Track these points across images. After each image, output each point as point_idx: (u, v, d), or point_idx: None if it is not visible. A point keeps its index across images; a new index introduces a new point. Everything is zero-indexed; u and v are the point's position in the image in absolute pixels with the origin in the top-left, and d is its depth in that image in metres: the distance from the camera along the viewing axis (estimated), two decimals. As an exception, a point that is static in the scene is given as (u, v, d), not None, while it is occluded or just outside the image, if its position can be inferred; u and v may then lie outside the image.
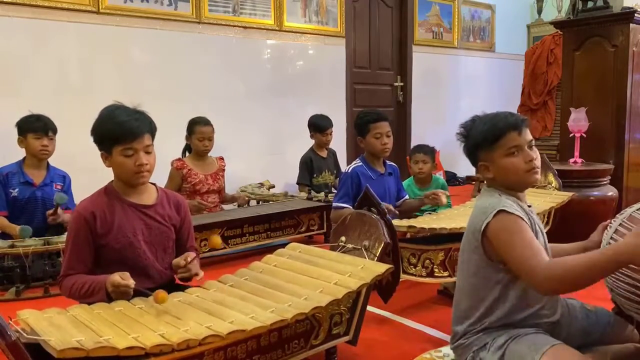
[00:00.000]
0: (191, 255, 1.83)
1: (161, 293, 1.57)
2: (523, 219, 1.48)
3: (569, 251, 1.78)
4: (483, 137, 1.55)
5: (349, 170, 2.95)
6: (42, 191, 3.09)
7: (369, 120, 2.91)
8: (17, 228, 2.88)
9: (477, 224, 1.50)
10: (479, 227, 1.49)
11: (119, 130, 1.75)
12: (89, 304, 1.59)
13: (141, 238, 1.83)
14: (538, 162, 1.56)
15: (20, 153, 3.12)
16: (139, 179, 1.80)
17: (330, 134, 4.31)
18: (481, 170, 1.59)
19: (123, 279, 1.63)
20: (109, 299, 1.66)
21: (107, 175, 1.91)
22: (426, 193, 2.99)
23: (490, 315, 1.51)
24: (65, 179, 3.20)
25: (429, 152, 3.51)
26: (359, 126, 2.96)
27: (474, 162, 1.61)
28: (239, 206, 3.80)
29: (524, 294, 1.51)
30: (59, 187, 3.15)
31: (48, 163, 3.16)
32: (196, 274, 1.81)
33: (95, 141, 1.81)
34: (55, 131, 3.08)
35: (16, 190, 3.02)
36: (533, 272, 1.39)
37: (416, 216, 2.81)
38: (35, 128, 3.01)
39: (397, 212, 2.79)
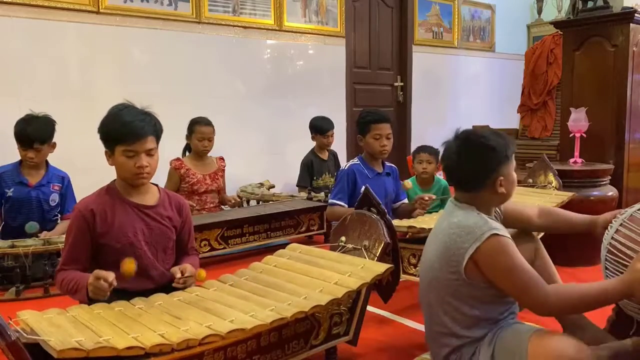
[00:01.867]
0: (188, 269, 1.81)
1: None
2: (511, 239, 1.50)
3: (574, 221, 1.89)
4: (508, 150, 1.57)
5: (346, 168, 2.96)
6: (38, 191, 3.06)
7: (370, 121, 2.91)
8: None
9: (462, 245, 1.48)
10: (463, 250, 1.47)
11: (122, 131, 1.75)
12: (89, 304, 1.59)
13: (142, 238, 1.83)
14: None
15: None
16: (137, 180, 1.81)
17: (332, 136, 4.31)
18: (497, 186, 1.56)
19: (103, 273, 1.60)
20: (89, 299, 1.64)
21: (107, 176, 1.91)
22: (415, 197, 2.99)
23: (473, 331, 1.53)
24: (64, 179, 3.17)
25: (434, 152, 3.50)
26: (361, 125, 2.96)
27: (488, 179, 1.55)
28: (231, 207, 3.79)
29: (503, 305, 1.55)
30: (56, 187, 3.12)
31: (47, 163, 3.14)
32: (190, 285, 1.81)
33: (101, 139, 1.82)
34: (43, 141, 2.99)
35: (11, 190, 3.01)
36: (544, 302, 1.41)
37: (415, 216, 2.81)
38: (21, 140, 2.98)
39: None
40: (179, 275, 1.78)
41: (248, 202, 4.05)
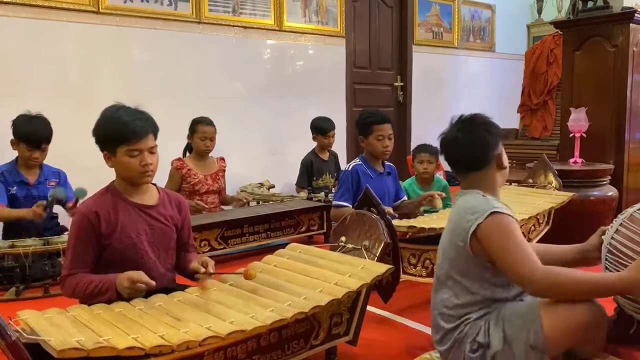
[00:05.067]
0: (211, 263, 1.83)
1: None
2: (514, 219, 1.56)
3: (566, 253, 1.82)
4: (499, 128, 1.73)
5: (349, 168, 2.95)
6: (38, 189, 3.09)
7: (372, 122, 2.90)
8: (24, 211, 2.88)
9: (466, 222, 1.56)
10: (467, 226, 1.55)
11: (124, 131, 1.74)
12: (89, 304, 1.59)
13: (144, 239, 1.82)
14: None
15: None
16: (143, 178, 1.80)
17: (333, 136, 4.31)
18: (501, 160, 1.69)
19: (138, 276, 1.63)
20: (119, 297, 1.65)
21: (106, 175, 1.91)
22: (423, 195, 2.99)
23: (481, 309, 1.58)
24: (60, 175, 3.20)
25: (434, 152, 3.50)
26: (362, 126, 2.95)
27: (492, 154, 1.67)
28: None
29: (512, 286, 1.60)
30: (52, 184, 3.14)
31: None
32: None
33: (98, 142, 1.80)
34: (49, 140, 3.04)
35: (14, 188, 3.03)
36: (530, 277, 1.46)
37: (415, 216, 2.81)
38: (29, 142, 2.98)
39: (396, 215, 2.77)
40: (203, 270, 1.79)
41: (248, 202, 4.04)
